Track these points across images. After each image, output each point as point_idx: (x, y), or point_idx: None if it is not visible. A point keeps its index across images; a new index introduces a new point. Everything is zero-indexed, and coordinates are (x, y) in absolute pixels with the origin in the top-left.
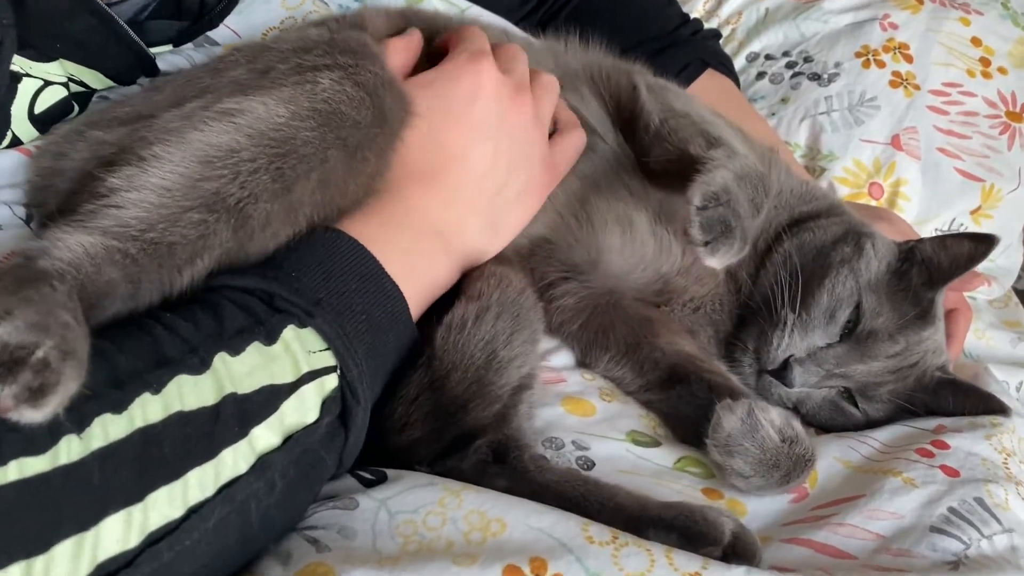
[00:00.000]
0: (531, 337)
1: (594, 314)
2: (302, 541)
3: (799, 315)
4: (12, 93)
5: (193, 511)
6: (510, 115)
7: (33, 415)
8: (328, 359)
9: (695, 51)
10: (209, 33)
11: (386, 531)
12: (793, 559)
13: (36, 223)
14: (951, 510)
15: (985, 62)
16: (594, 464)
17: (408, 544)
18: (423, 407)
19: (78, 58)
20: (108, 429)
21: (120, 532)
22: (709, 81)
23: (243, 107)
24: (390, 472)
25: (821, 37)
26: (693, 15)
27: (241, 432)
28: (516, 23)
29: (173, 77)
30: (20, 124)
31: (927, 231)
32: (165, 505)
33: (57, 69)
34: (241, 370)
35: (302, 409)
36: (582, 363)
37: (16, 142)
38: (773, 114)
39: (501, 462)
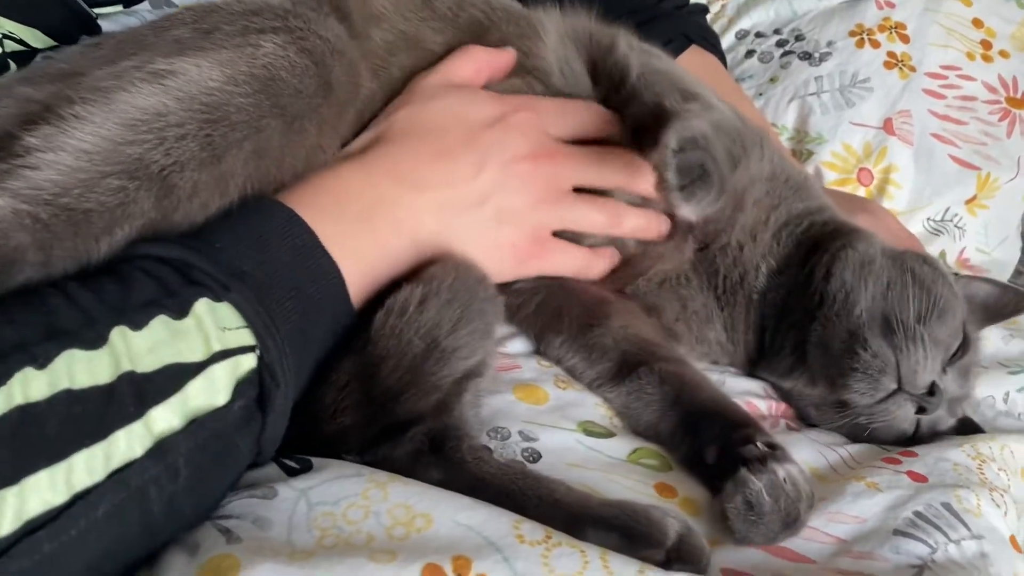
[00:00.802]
0: (483, 328)
1: (549, 295)
2: (214, 531)
3: (925, 336)
4: None
5: (79, 497)
6: (522, 162)
7: None
8: (245, 337)
9: (679, 26)
10: None
11: (303, 523)
12: (746, 562)
13: None
14: (917, 514)
15: (986, 45)
16: (540, 456)
17: (325, 537)
18: (353, 395)
19: (10, 14)
20: None
21: None
22: (693, 58)
23: (175, 68)
24: (316, 461)
25: (814, 15)
26: None
27: (137, 413)
28: None
29: (116, 35)
30: None
31: (918, 220)
32: (46, 490)
33: None
34: (142, 346)
35: (211, 390)
36: (537, 350)
37: None
38: (760, 94)
39: (437, 452)
